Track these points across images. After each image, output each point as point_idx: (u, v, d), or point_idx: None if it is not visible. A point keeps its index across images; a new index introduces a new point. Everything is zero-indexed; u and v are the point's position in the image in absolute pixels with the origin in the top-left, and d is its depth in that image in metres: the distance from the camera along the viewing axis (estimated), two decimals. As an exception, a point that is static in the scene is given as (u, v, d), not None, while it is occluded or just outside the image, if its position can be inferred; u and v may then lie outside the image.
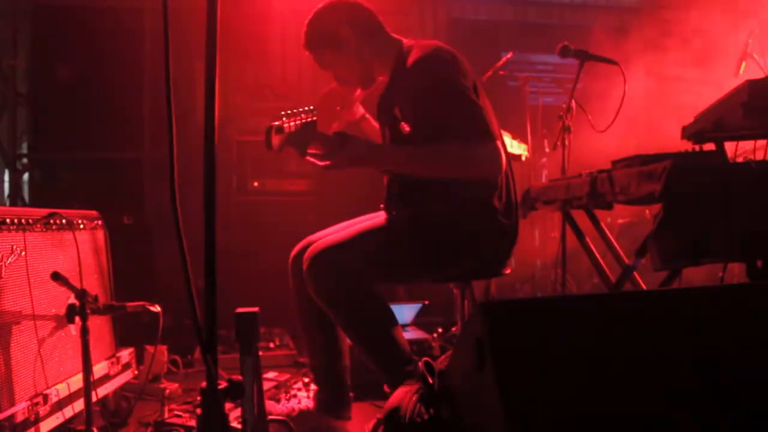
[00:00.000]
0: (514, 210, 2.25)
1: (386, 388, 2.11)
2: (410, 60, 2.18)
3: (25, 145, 4.69)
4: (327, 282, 2.06)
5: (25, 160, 4.65)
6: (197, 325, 0.83)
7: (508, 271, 2.29)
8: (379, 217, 2.32)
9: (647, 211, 4.57)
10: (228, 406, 2.24)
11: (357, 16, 2.30)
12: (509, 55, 4.28)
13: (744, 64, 4.34)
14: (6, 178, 4.69)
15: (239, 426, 2.05)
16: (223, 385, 0.85)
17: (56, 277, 1.95)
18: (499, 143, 2.09)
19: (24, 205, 4.46)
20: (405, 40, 2.34)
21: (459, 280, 2.55)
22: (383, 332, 2.08)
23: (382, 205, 2.42)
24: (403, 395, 1.92)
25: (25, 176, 4.68)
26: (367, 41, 2.29)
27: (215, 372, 0.80)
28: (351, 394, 2.36)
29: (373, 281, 2.08)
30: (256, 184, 4.15)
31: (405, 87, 2.20)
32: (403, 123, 2.21)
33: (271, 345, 3.57)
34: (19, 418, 1.86)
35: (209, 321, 0.81)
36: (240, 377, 1.01)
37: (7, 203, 4.56)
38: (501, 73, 4.32)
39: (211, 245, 0.81)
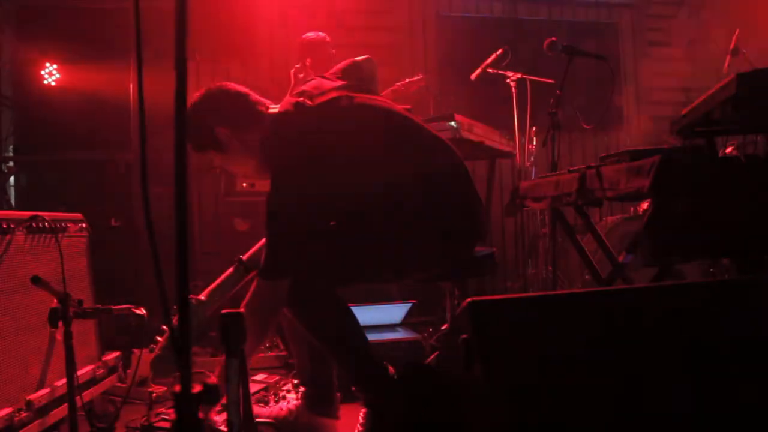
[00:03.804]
0: (471, 212, 2.19)
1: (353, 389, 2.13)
2: (264, 150, 2.13)
3: (10, 148, 4.64)
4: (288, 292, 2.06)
5: (10, 163, 4.61)
6: (170, 327, 0.81)
7: (496, 269, 2.27)
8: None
9: (638, 208, 4.57)
10: (216, 409, 2.23)
11: (227, 110, 2.16)
12: (498, 52, 4.26)
13: (732, 59, 4.34)
14: (-8, 181, 4.64)
15: (225, 429, 2.03)
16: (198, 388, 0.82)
17: (36, 281, 1.92)
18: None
19: (10, 208, 4.41)
20: (273, 117, 2.21)
21: (428, 282, 2.54)
22: (342, 339, 2.07)
23: None
24: (388, 396, 1.91)
25: (11, 179, 4.63)
26: (247, 130, 2.16)
27: (188, 375, 0.77)
28: (339, 395, 2.34)
29: (330, 285, 2.06)
30: (245, 184, 4.12)
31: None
32: None
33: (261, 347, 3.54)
34: (1, 425, 1.82)
35: (182, 323, 0.79)
36: (216, 380, 0.99)
37: (-7, 207, 4.51)
38: (490, 70, 4.30)
39: (183, 246, 0.79)
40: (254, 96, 2.23)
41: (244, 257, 2.36)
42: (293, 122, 2.10)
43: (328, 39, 4.11)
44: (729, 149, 3.27)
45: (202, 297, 2.25)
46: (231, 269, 2.35)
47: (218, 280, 2.33)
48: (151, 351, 2.17)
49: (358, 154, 2.08)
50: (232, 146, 2.16)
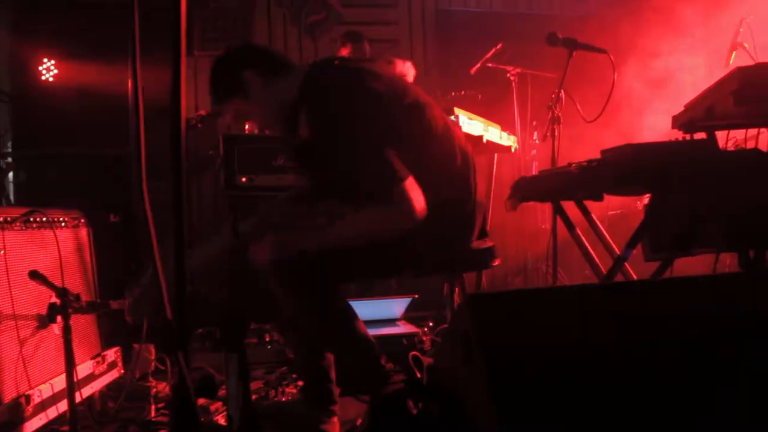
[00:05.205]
0: (470, 205, 2.21)
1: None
2: (306, 92, 2.11)
3: (8, 144, 4.63)
4: (284, 288, 2.05)
5: (9, 159, 4.60)
6: (167, 322, 0.80)
7: (496, 263, 2.26)
8: None
9: (638, 202, 4.56)
10: (217, 404, 2.23)
11: (255, 58, 2.20)
12: (498, 47, 4.25)
13: (734, 53, 4.33)
14: (-9, 177, 4.63)
15: (224, 423, 2.03)
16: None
17: (34, 275, 1.91)
18: (404, 190, 1.96)
19: (9, 204, 4.40)
20: (305, 67, 2.22)
21: (431, 275, 2.54)
22: (343, 332, 2.06)
23: None
24: (390, 390, 1.90)
25: (10, 175, 4.62)
26: (274, 79, 2.17)
27: (186, 368, 0.77)
28: (337, 389, 2.34)
29: (331, 280, 2.05)
30: (244, 179, 4.10)
31: (303, 122, 2.11)
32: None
33: (261, 341, 3.54)
34: (1, 420, 1.82)
35: (179, 317, 0.78)
36: (213, 373, 0.99)
37: (-8, 202, 4.50)
38: (489, 64, 4.29)
39: (180, 240, 0.78)
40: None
41: (239, 225, 2.32)
42: (335, 75, 2.13)
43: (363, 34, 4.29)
44: (730, 143, 3.26)
45: None
46: (223, 232, 2.32)
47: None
48: (131, 294, 2.17)
49: (386, 123, 2.06)
50: (257, 92, 2.16)
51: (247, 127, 4.17)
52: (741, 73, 2.03)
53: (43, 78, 4.42)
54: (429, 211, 2.06)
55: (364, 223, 2.00)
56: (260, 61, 2.18)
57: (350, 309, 2.08)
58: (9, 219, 2.03)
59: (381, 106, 2.06)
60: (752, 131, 2.80)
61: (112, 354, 2.58)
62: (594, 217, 2.96)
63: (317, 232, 2.07)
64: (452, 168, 2.16)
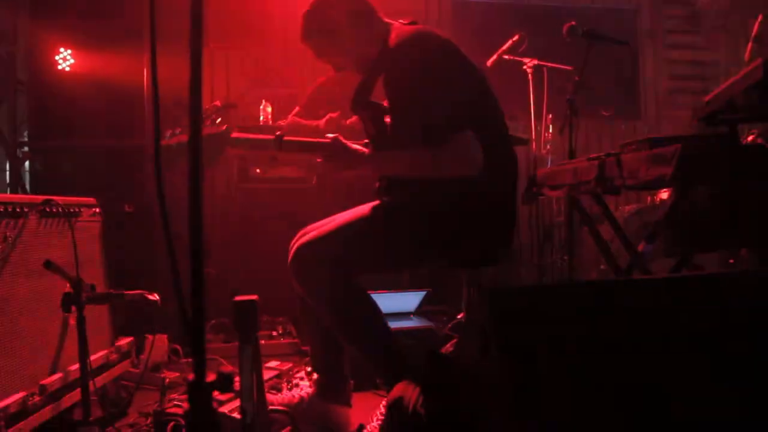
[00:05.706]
0: (510, 193, 2.21)
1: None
2: (390, 46, 2.18)
3: (25, 134, 4.64)
4: (306, 278, 2.09)
5: (25, 149, 4.61)
6: (183, 314, 0.79)
7: (512, 257, 2.24)
8: (368, 206, 2.30)
9: (655, 197, 4.52)
10: (228, 396, 2.22)
11: (350, 3, 2.30)
12: (515, 38, 4.21)
13: (752, 46, 4.26)
14: (6, 167, 4.65)
15: (238, 416, 2.02)
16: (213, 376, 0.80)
17: (48, 265, 1.91)
18: (469, 140, 2.01)
19: (25, 193, 4.42)
20: (395, 24, 2.32)
21: (453, 267, 2.51)
22: (365, 326, 2.10)
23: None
24: (407, 385, 1.89)
25: (26, 164, 4.64)
26: (362, 26, 2.28)
27: (203, 363, 0.75)
28: (351, 382, 2.33)
29: (355, 273, 2.09)
30: (258, 170, 4.10)
31: (383, 74, 2.20)
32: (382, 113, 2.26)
33: (274, 333, 3.54)
34: (14, 409, 1.82)
35: (196, 309, 0.77)
36: (233, 368, 0.97)
37: (8, 192, 4.52)
38: (506, 56, 4.25)
39: (197, 231, 0.76)
40: None
41: (287, 137, 2.34)
42: (424, 44, 2.18)
43: None
44: (750, 137, 3.21)
45: (234, 133, 2.30)
46: (270, 136, 2.36)
47: (256, 135, 2.37)
48: (171, 137, 2.18)
49: (459, 86, 2.14)
50: (344, 34, 2.27)
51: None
52: (766, 64, 1.98)
53: (60, 68, 4.42)
54: (458, 201, 2.05)
55: (426, 159, 2.04)
56: (355, 7, 2.29)
57: (371, 301, 2.08)
58: (25, 208, 2.03)
59: (456, 70, 2.15)
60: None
61: (125, 344, 2.58)
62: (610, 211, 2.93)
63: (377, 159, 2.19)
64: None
